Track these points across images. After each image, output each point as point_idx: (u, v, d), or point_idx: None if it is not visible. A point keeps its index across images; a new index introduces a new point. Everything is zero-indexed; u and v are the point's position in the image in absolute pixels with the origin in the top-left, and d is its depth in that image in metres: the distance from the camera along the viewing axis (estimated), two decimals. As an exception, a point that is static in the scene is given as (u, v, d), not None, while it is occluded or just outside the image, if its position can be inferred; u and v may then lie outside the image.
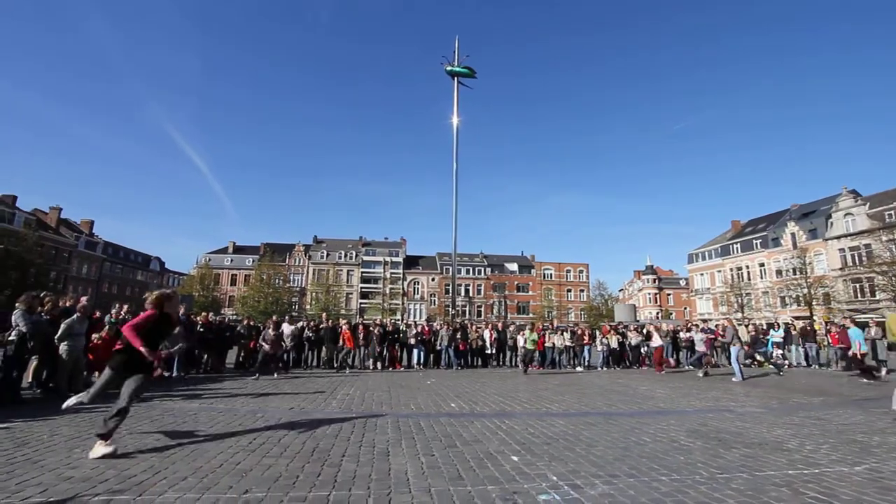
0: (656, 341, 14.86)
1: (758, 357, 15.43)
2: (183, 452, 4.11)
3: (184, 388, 8.87)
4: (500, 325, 17.20)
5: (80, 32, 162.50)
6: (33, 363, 7.68)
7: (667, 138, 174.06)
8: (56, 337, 7.20)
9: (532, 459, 4.03)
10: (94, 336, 8.31)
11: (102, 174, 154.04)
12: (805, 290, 42.07)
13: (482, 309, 67.42)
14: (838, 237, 43.02)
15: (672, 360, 16.01)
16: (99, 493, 3.04)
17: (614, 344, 15.58)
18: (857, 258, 41.24)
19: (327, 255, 68.15)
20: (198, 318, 12.41)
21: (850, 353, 12.61)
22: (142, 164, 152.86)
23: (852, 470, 3.78)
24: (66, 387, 7.33)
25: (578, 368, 14.83)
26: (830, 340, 15.30)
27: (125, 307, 9.89)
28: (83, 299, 8.05)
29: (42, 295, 7.62)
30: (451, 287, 27.17)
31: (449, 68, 24.66)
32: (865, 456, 4.22)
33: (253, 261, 63.75)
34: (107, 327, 8.81)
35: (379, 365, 14.29)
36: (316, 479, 3.43)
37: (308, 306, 59.20)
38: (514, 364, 15.63)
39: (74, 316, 7.48)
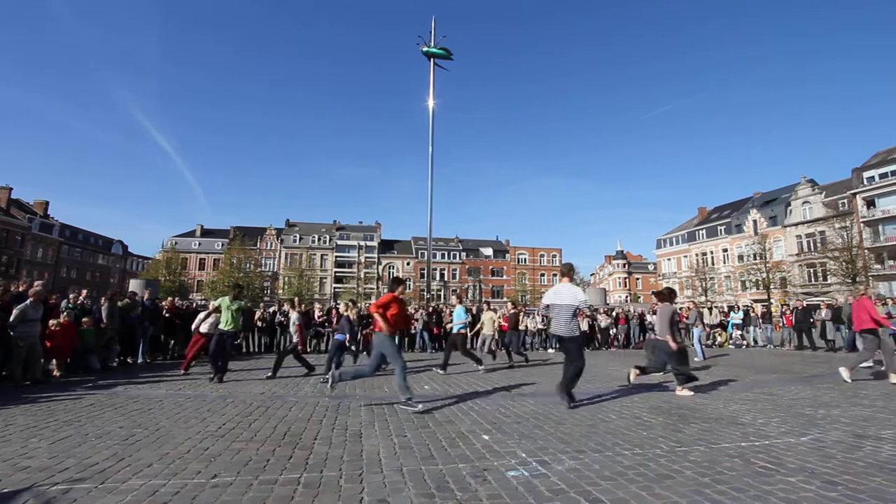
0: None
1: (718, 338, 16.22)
2: (148, 439, 4.01)
3: (149, 374, 8.62)
4: (473, 308, 17.36)
5: (37, 8, 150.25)
6: (-16, 351, 7.30)
7: (642, 124, 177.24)
8: (8, 323, 6.84)
9: (502, 438, 4.13)
10: (52, 322, 7.94)
11: (57, 156, 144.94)
12: (764, 275, 44.26)
13: (457, 293, 67.89)
14: (796, 224, 45.24)
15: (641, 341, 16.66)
16: (58, 482, 2.94)
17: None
18: (812, 244, 43.59)
19: (300, 238, 66.78)
20: (164, 304, 12.02)
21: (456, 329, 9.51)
22: (101, 146, 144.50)
23: (798, 440, 4.04)
24: (20, 375, 7.01)
25: (550, 351, 15.20)
26: (785, 321, 16.20)
27: (84, 292, 9.45)
28: (37, 284, 7.64)
29: (-9, 279, 7.20)
30: (426, 271, 27.18)
31: (425, 49, 24.15)
32: (811, 427, 4.52)
33: (222, 244, 61.80)
34: (64, 313, 8.43)
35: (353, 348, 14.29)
36: (287, 462, 3.42)
37: (280, 291, 58.13)
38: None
39: (27, 301, 7.11)
